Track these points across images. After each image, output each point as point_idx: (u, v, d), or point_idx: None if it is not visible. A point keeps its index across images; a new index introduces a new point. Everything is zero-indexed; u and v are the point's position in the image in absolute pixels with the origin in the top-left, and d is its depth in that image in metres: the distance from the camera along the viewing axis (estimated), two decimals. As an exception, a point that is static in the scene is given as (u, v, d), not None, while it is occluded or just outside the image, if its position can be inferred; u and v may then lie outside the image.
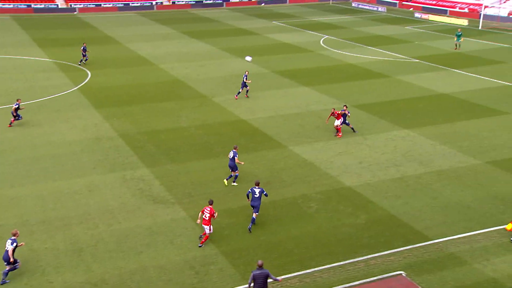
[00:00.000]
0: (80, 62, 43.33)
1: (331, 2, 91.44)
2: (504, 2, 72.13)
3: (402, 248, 18.14)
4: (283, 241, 18.63)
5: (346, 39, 56.26)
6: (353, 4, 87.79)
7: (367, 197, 21.74)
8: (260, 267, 14.74)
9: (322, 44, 53.75)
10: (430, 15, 72.64)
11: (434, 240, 18.67)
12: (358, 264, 17.32)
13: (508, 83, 38.46)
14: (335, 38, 57.03)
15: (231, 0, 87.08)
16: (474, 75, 41.18)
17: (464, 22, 67.00)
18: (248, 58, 24.95)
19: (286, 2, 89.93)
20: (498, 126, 29.77)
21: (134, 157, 25.33)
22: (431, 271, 17.03)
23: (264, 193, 19.22)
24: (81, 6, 78.96)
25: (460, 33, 50.93)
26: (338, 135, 28.22)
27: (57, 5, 78.46)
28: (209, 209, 18.15)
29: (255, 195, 19.08)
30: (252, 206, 19.18)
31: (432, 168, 24.40)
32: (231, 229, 19.39)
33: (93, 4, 79.81)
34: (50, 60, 45.56)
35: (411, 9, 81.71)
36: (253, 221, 19.21)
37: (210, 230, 18.26)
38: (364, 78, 40.28)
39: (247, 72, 35.14)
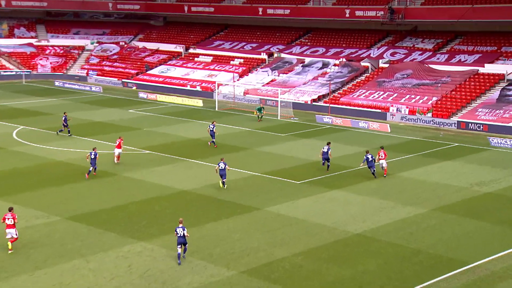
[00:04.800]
0: (69, 133, 53.64)
1: (24, 81, 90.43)
2: (238, 80, 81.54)
3: None
4: None
5: (51, 129, 55.91)
6: (56, 83, 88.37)
7: None
8: None
9: (16, 138, 52.38)
10: (158, 95, 77.52)
11: None
12: None
13: (255, 173, 42.67)
14: (34, 129, 56.24)
15: None
16: (215, 164, 44.55)
17: (198, 102, 73.19)
18: None
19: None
20: (250, 224, 32.40)
21: None
22: None
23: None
24: None
25: (261, 107, 63.66)
26: None
27: None
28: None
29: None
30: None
31: (180, 288, 25.01)
32: None
33: None
34: None
35: (134, 87, 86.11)
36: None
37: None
38: (80, 180, 40.08)
39: (214, 122, 51.54)
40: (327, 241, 30.40)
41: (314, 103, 70.94)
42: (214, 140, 50.16)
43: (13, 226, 28.25)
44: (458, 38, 77.79)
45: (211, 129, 50.25)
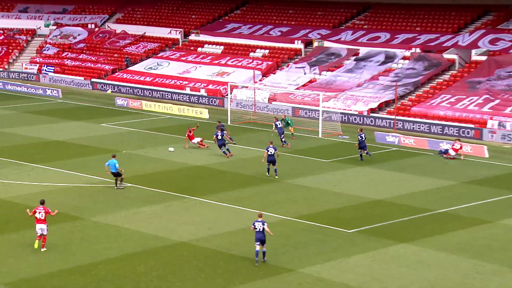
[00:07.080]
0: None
1: None
2: (261, 80, 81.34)
3: None
4: None
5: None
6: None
7: None
8: None
9: None
10: (144, 102, 77.73)
11: None
12: None
13: (285, 217, 42.68)
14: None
15: None
16: (226, 204, 44.71)
17: (202, 113, 73.12)
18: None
19: None
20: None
21: None
22: None
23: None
24: None
25: (287, 120, 63.99)
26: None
27: None
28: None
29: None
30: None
31: None
32: None
33: None
34: None
35: (109, 91, 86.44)
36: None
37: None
38: (25, 227, 39.79)
39: (284, 115, 65.30)
40: (392, 319, 30.31)
41: (372, 114, 70.91)
42: (283, 139, 59.87)
43: (44, 221, 35.39)
44: None
45: (278, 126, 59.82)
